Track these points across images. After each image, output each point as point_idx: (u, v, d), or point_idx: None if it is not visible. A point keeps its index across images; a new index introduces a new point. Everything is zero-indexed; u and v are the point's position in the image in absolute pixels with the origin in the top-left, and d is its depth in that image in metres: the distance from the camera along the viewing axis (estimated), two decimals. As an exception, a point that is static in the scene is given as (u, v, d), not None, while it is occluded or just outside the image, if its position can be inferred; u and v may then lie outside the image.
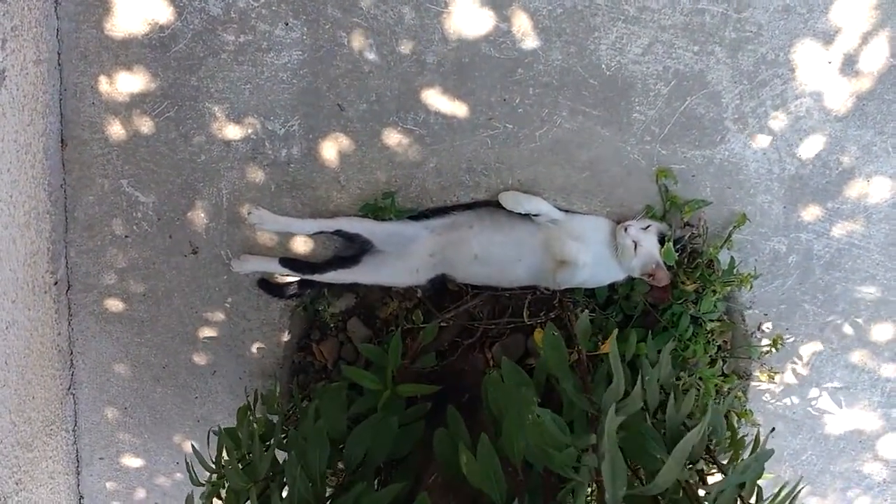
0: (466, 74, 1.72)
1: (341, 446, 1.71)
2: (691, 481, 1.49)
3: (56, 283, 1.99)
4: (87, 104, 1.81)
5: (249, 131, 1.83)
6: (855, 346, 2.02)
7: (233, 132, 1.83)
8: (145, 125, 1.83)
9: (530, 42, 1.67)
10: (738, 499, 1.41)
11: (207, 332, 2.14)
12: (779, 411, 2.15)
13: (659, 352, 1.75)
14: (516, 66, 1.70)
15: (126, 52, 1.75)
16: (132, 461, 2.46)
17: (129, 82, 1.78)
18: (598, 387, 1.74)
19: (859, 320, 1.97)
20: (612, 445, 1.20)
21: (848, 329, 1.99)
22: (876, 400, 2.11)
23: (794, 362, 2.07)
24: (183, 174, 1.89)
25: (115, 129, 1.84)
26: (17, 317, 1.84)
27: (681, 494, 1.42)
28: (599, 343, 1.82)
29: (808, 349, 2.04)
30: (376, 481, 1.73)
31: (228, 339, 2.16)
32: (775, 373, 2.08)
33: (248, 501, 1.63)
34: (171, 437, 2.39)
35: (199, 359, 2.20)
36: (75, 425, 2.34)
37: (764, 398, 2.14)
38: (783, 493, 1.40)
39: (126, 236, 1.99)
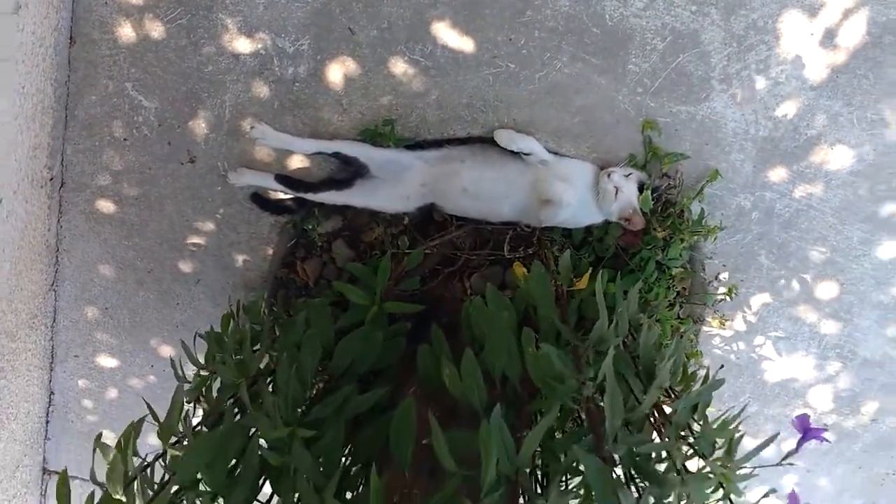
0: (477, 11, 1.80)
1: (326, 356, 1.83)
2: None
3: (51, 180, 2.02)
4: (100, 3, 1.82)
5: (259, 46, 1.87)
6: (800, 301, 2.21)
7: (242, 46, 1.87)
8: (156, 30, 1.86)
9: (542, -14, 1.76)
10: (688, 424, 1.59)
11: (196, 241, 2.21)
12: (724, 355, 2.35)
13: (625, 292, 1.90)
14: (526, 8, 1.79)
15: (144, -45, 1.77)
16: (107, 361, 2.52)
17: (144, -15, 1.80)
18: (571, 317, 1.90)
19: (807, 277, 2.16)
20: (612, 382, 1.34)
21: (796, 284, 2.17)
22: (813, 351, 2.32)
23: (744, 311, 2.25)
24: (188, 83, 1.93)
25: (126, 32, 1.86)
26: (16, 208, 1.87)
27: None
28: (574, 280, 1.96)
29: (758, 300, 2.23)
30: (357, 389, 1.84)
31: (216, 249, 2.23)
32: (726, 320, 2.27)
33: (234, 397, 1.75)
34: (148, 341, 2.46)
35: (185, 266, 2.27)
36: (54, 322, 2.39)
37: (712, 342, 2.33)
38: (725, 420, 1.57)
39: (125, 139, 2.02)
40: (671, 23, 1.78)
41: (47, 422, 2.69)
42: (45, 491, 2.89)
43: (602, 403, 1.42)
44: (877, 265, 2.12)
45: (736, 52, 1.80)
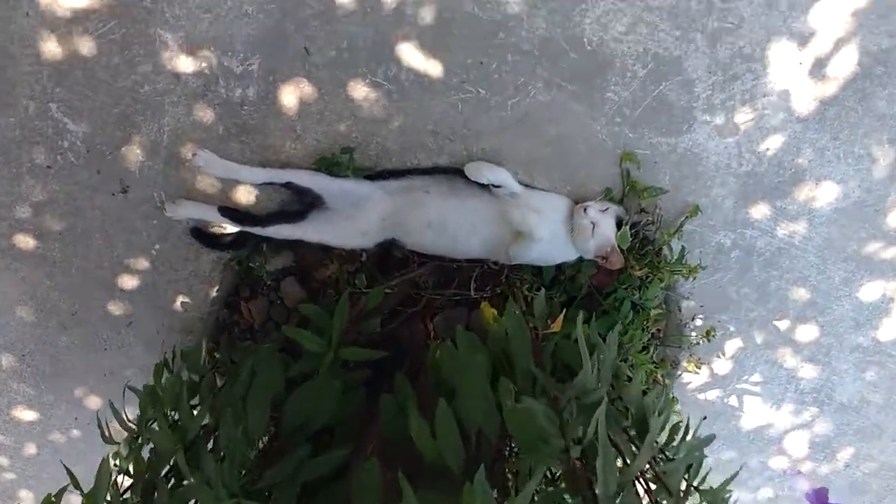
0: (446, 32, 1.65)
1: (275, 410, 1.64)
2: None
3: (-39, 211, 1.78)
4: (21, 14, 1.61)
5: (203, 65, 1.69)
6: (778, 344, 2.11)
7: (184, 64, 1.68)
8: (86, 46, 1.65)
9: (516, 6, 1.62)
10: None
11: (127, 280, 1.99)
12: (699, 401, 2.23)
13: (599, 334, 1.77)
14: (498, 30, 1.65)
15: (74, -40, 1.58)
16: (24, 413, 2.27)
17: (73, -6, 1.60)
18: (546, 363, 1.75)
19: (786, 319, 2.06)
20: (605, 443, 1.20)
21: (774, 327, 2.08)
22: (790, 396, 2.22)
23: (720, 355, 2.15)
24: (121, 104, 1.73)
25: (51, 47, 1.65)
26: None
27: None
28: (548, 322, 1.81)
29: (735, 343, 2.12)
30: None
31: (150, 289, 2.01)
32: (701, 363, 2.16)
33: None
34: (72, 391, 2.22)
35: (115, 308, 2.04)
36: (-37, 371, 2.13)
37: (687, 388, 2.22)
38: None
39: (48, 167, 1.80)
40: (653, 48, 1.67)
41: (-45, 481, 2.40)
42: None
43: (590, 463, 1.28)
44: (857, 306, 2.04)
45: (721, 81, 1.70)
